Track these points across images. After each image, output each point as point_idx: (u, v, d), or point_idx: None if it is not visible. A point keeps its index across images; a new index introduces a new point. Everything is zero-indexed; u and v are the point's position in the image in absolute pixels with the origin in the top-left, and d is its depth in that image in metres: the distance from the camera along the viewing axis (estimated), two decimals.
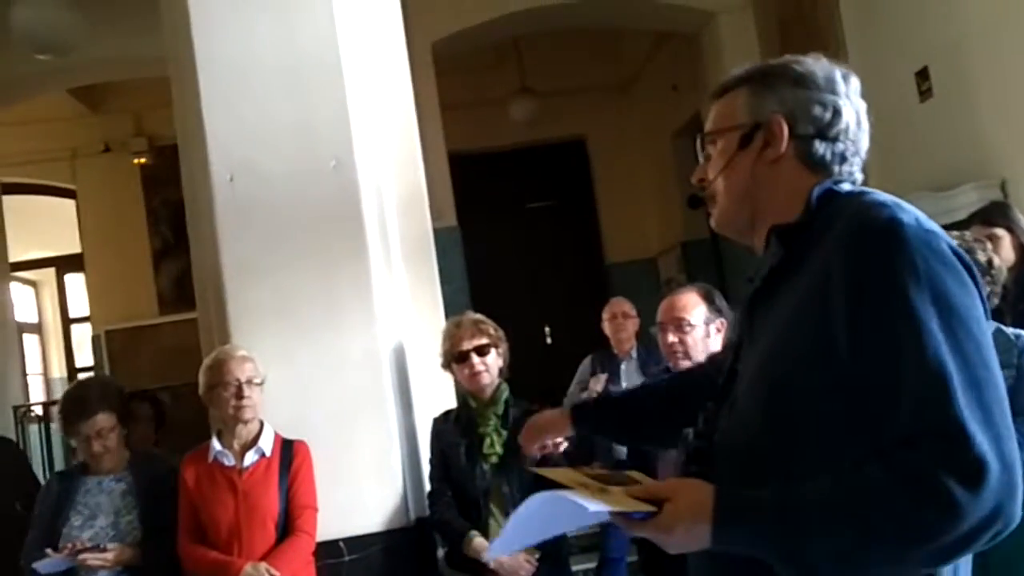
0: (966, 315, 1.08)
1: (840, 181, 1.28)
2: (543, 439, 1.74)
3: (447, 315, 3.73)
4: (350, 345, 3.02)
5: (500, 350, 2.94)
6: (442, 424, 2.96)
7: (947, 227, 3.95)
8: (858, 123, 1.31)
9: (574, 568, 5.33)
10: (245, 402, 2.79)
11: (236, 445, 2.84)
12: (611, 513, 1.11)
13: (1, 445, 3.71)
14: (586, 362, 4.73)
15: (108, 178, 8.41)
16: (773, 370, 1.18)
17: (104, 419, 2.88)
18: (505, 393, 2.93)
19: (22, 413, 6.97)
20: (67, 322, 9.75)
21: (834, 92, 1.29)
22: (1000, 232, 3.23)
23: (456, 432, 2.90)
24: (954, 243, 1.15)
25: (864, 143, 1.32)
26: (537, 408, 2.92)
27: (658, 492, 1.12)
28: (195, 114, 3.11)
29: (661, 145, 8.59)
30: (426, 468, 3.18)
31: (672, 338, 2.51)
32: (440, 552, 3.11)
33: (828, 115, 1.27)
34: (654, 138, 8.69)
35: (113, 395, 2.98)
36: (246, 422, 2.82)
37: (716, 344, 2.57)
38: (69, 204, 8.78)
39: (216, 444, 2.85)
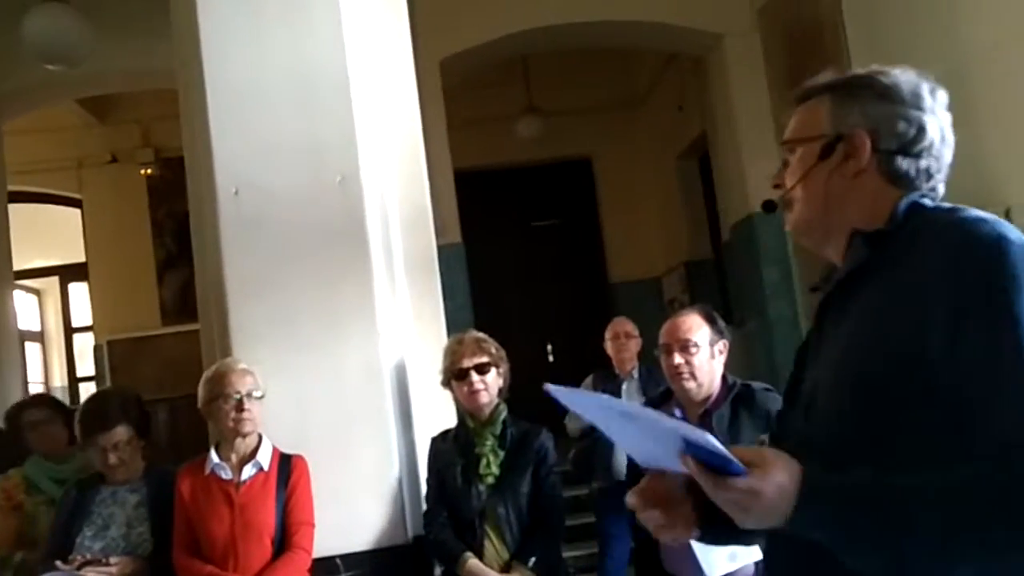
0: None
1: (924, 196, 1.26)
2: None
3: (449, 332, 3.73)
4: (351, 361, 3.02)
5: (500, 370, 2.93)
6: (440, 444, 2.95)
7: None
8: (942, 139, 1.28)
9: None
10: (245, 415, 2.78)
11: (234, 458, 2.83)
12: (696, 463, 1.08)
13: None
14: (587, 381, 4.72)
15: (114, 188, 8.45)
16: (858, 374, 1.16)
17: (122, 432, 2.89)
18: (503, 414, 2.91)
19: None
20: (69, 331, 9.76)
21: (919, 107, 1.27)
22: None
23: (453, 452, 2.88)
24: None
25: (948, 157, 1.29)
26: (538, 429, 2.92)
27: (746, 455, 1.08)
28: (202, 127, 3.13)
29: (666, 165, 8.61)
30: (425, 486, 3.17)
31: (678, 359, 2.51)
32: (438, 570, 3.10)
33: (912, 131, 1.25)
34: (659, 158, 8.72)
35: (132, 407, 2.98)
36: (245, 435, 2.81)
37: (719, 366, 2.57)
38: (74, 213, 8.81)
39: (214, 457, 2.84)
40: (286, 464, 2.84)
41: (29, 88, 6.29)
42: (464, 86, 7.01)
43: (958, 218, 1.18)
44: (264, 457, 2.83)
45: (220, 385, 2.81)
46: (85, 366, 9.38)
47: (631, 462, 2.84)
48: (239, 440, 2.82)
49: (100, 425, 2.89)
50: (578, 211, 9.10)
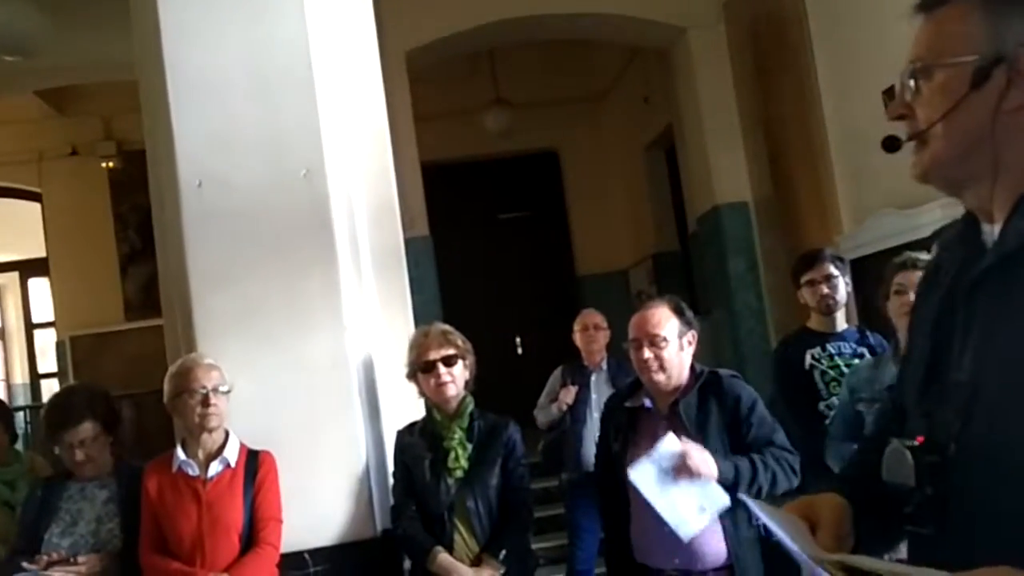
0: None
1: None
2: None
3: (417, 325, 3.72)
4: (318, 355, 3.00)
5: (467, 362, 2.92)
6: (407, 437, 2.93)
7: (912, 245, 4.00)
8: None
9: None
10: (211, 410, 2.76)
11: (200, 454, 2.81)
12: None
13: None
14: (556, 373, 4.74)
15: (75, 182, 8.31)
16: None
17: (88, 428, 2.85)
18: (470, 406, 2.91)
19: None
20: (30, 327, 9.61)
21: None
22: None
23: (421, 445, 2.87)
24: None
25: None
26: (505, 421, 2.93)
27: None
28: (164, 120, 3.08)
29: (633, 158, 8.65)
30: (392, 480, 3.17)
31: (648, 354, 2.52)
32: (407, 563, 3.09)
33: None
34: (626, 151, 8.76)
35: (99, 403, 2.94)
36: (211, 431, 2.79)
37: (688, 357, 2.59)
38: (34, 207, 8.65)
39: (180, 453, 2.81)
40: (253, 460, 2.82)
41: None
42: (430, 78, 6.99)
43: None
44: (231, 453, 2.81)
45: (185, 380, 2.78)
46: (47, 363, 9.23)
47: (599, 454, 2.86)
48: (205, 436, 2.79)
49: (66, 421, 2.85)
50: (545, 203, 9.12)
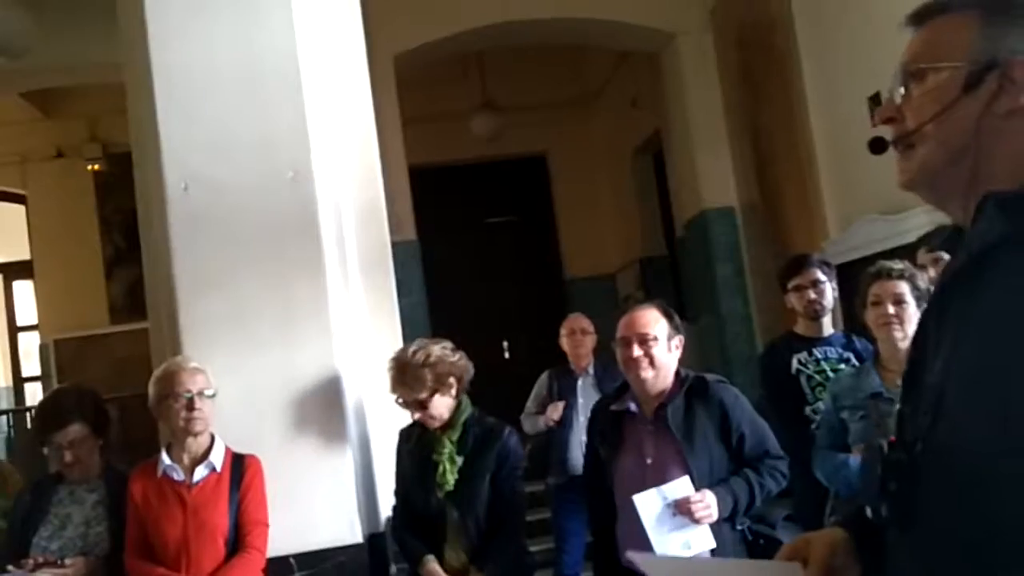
0: None
1: None
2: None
3: (404, 329, 3.71)
4: (304, 359, 2.99)
5: (451, 389, 2.82)
6: (403, 443, 2.92)
7: (897, 250, 4.02)
8: None
9: None
10: (196, 414, 2.74)
11: (186, 459, 2.79)
12: None
13: None
14: (543, 378, 4.74)
15: (60, 184, 8.26)
16: (1007, 384, 0.93)
17: (77, 429, 2.83)
18: (465, 414, 2.86)
19: None
20: (14, 330, 9.53)
21: None
22: (946, 256, 3.30)
23: (412, 455, 2.86)
24: None
25: None
26: (501, 427, 2.90)
27: None
28: (150, 122, 3.07)
29: (621, 162, 8.67)
30: (379, 484, 3.16)
31: (638, 352, 2.52)
32: (393, 568, 3.09)
33: None
34: (614, 155, 8.78)
35: (88, 405, 2.92)
36: (196, 435, 2.77)
37: (674, 361, 2.59)
38: (19, 209, 8.59)
39: (165, 458, 2.79)
40: (239, 464, 2.81)
41: None
42: (419, 82, 6.98)
43: None
44: (216, 457, 2.79)
45: (170, 384, 2.77)
46: (31, 365, 9.16)
47: (587, 458, 2.86)
48: (191, 440, 2.77)
49: (55, 423, 2.84)
50: (533, 208, 9.12)
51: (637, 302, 2.83)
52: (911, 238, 3.92)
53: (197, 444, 2.79)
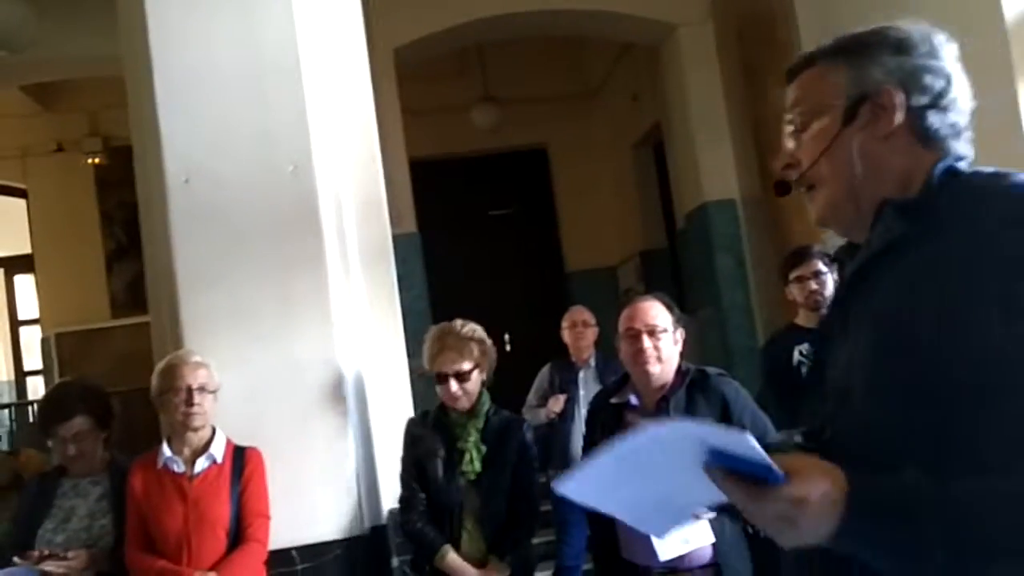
0: None
1: (961, 158, 1.15)
2: None
3: (406, 322, 3.71)
4: (306, 351, 2.99)
5: (483, 367, 2.86)
6: (419, 428, 2.87)
7: None
8: (964, 92, 1.18)
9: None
10: (195, 409, 2.74)
11: (186, 451, 2.79)
12: (727, 476, 0.95)
13: None
14: (544, 371, 4.74)
15: (60, 178, 8.25)
16: (897, 364, 1.03)
17: (81, 422, 2.84)
18: (487, 404, 2.87)
19: None
20: (15, 324, 9.54)
21: (939, 57, 1.16)
22: None
23: (435, 441, 2.82)
24: None
25: (968, 112, 1.18)
26: (518, 421, 2.91)
27: (781, 461, 0.96)
28: (150, 115, 3.07)
29: (622, 155, 8.65)
30: (382, 476, 3.16)
31: (647, 343, 2.51)
32: (395, 560, 3.09)
33: (940, 83, 1.15)
34: (615, 148, 8.76)
35: (92, 398, 2.93)
36: (195, 429, 2.78)
37: (677, 354, 2.58)
38: (20, 203, 8.59)
39: (166, 450, 2.80)
40: (240, 456, 2.81)
41: None
42: (419, 75, 6.97)
43: (1007, 185, 1.07)
44: (217, 450, 2.80)
45: (171, 378, 2.77)
46: (32, 359, 9.17)
47: (585, 451, 2.86)
48: (191, 433, 2.78)
49: (59, 415, 2.85)
50: (534, 200, 9.11)
51: (638, 295, 2.82)
52: None
53: (198, 437, 2.80)
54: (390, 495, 3.07)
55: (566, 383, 4.57)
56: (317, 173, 3.06)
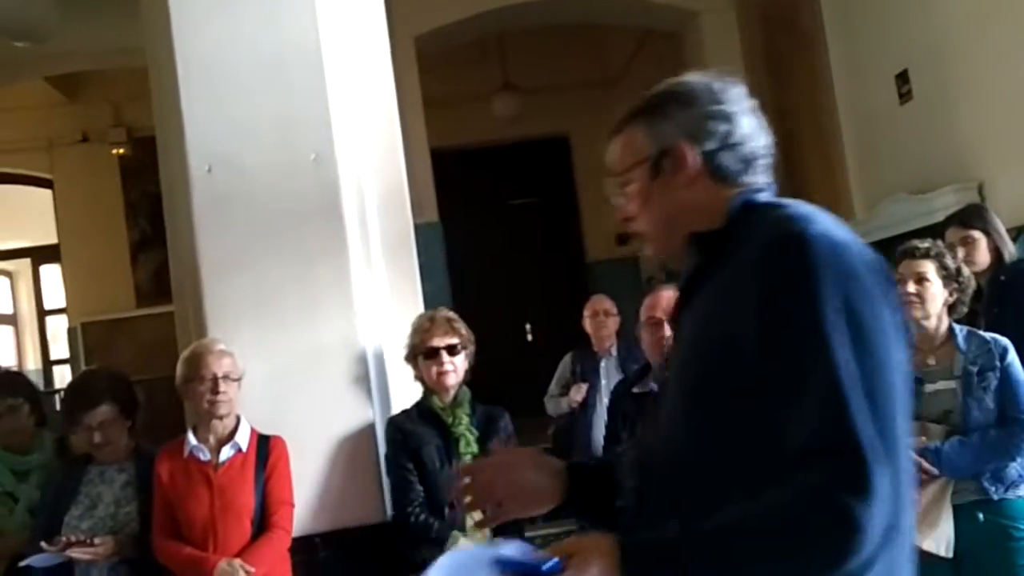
0: (870, 330, 1.08)
1: (758, 190, 1.30)
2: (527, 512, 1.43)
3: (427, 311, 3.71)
4: (328, 340, 3.01)
5: (468, 352, 2.93)
6: (405, 424, 2.91)
7: (924, 229, 3.98)
8: (753, 125, 1.32)
9: None
10: (220, 397, 2.76)
11: (212, 440, 2.82)
12: (519, 567, 1.11)
13: None
14: (566, 360, 4.73)
15: (86, 168, 8.31)
16: (686, 381, 1.21)
17: (106, 410, 2.87)
18: (469, 394, 2.94)
19: None
20: (42, 313, 9.65)
21: (720, 102, 1.31)
22: (976, 235, 3.25)
23: (427, 431, 2.86)
24: (869, 255, 1.15)
25: (765, 140, 1.34)
26: (500, 411, 2.94)
27: (561, 548, 1.11)
28: (174, 106, 3.08)
29: None
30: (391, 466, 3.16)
31: (668, 332, 2.50)
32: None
33: (725, 126, 1.29)
34: None
35: (118, 386, 2.96)
36: (221, 417, 2.80)
37: None
38: (46, 194, 8.67)
39: (191, 439, 2.82)
40: (265, 445, 2.83)
41: None
42: (440, 64, 6.96)
43: (774, 215, 1.21)
44: (242, 438, 2.82)
45: (196, 367, 2.79)
46: (59, 348, 9.28)
47: (607, 440, 2.85)
48: (216, 422, 2.80)
49: (84, 403, 2.88)
50: (555, 189, 9.08)
51: (661, 283, 2.81)
52: (939, 217, 3.87)
53: (223, 425, 2.82)
54: None
55: (588, 372, 4.56)
56: (339, 162, 3.07)
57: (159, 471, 2.81)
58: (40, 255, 9.47)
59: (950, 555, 2.48)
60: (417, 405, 2.95)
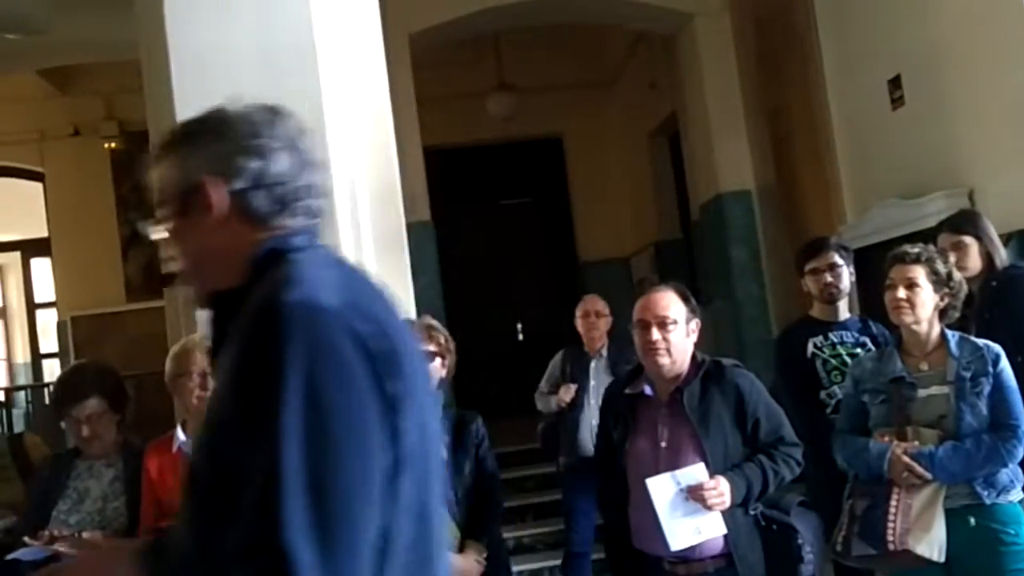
0: (335, 412, 0.99)
1: (292, 234, 1.19)
2: None
3: (418, 310, 3.70)
4: None
5: (446, 361, 2.95)
6: None
7: (915, 235, 4.00)
8: (296, 164, 1.22)
9: (540, 565, 5.37)
10: (208, 393, 2.75)
11: None
12: None
13: None
14: (557, 358, 4.74)
15: (77, 162, 8.29)
16: (200, 452, 1.12)
17: (95, 404, 2.85)
18: (442, 398, 2.95)
19: None
20: (32, 307, 9.61)
21: (258, 135, 1.21)
22: (968, 240, 3.26)
23: None
24: (363, 328, 1.05)
25: (310, 185, 1.23)
26: (472, 414, 2.97)
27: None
28: (166, 101, 3.06)
29: (637, 144, 8.62)
30: None
31: (656, 335, 2.51)
32: None
33: (256, 162, 1.19)
34: (630, 137, 8.73)
35: (107, 380, 2.94)
36: None
37: (691, 345, 2.58)
38: (36, 187, 8.64)
39: (180, 434, 2.81)
40: None
41: None
42: (434, 62, 6.95)
43: (277, 275, 1.10)
44: None
45: (184, 363, 2.78)
46: (48, 342, 9.24)
47: (599, 441, 2.86)
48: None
49: (73, 397, 2.86)
50: (548, 190, 9.10)
51: (651, 285, 2.81)
52: (931, 223, 3.88)
53: None
54: None
55: (577, 372, 4.56)
56: (331, 159, 3.05)
57: (148, 466, 2.79)
58: (30, 248, 9.43)
59: (942, 559, 2.48)
60: None
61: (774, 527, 2.47)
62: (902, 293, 2.63)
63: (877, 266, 2.96)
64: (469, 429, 2.95)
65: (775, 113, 6.37)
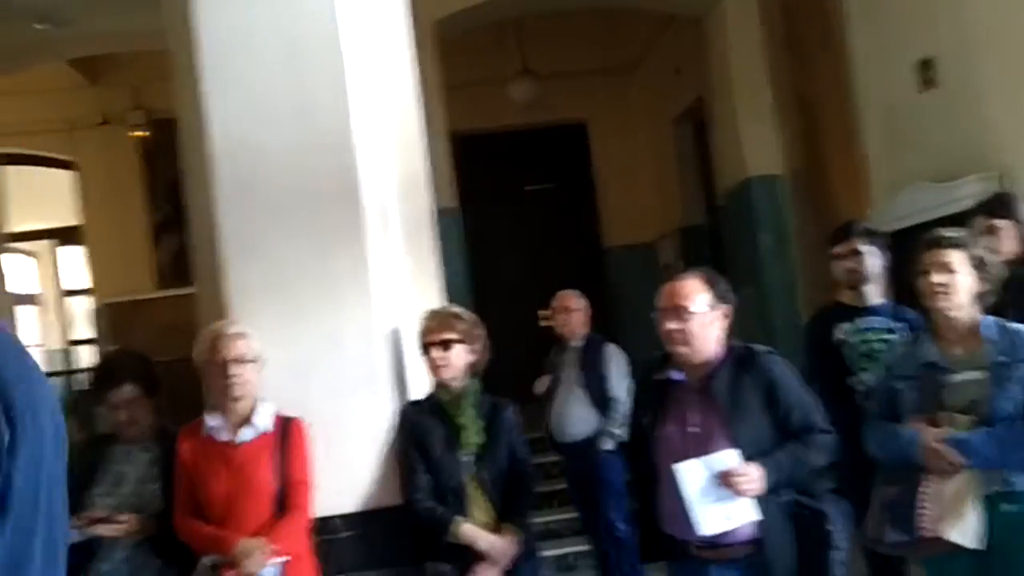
0: None
1: None
2: None
3: (446, 297, 3.72)
4: (347, 324, 3.02)
5: (472, 347, 2.96)
6: (414, 414, 2.98)
7: (947, 219, 3.94)
8: None
9: (565, 550, 5.40)
10: (234, 379, 2.78)
11: (231, 420, 2.84)
12: None
13: None
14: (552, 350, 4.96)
15: (106, 151, 8.37)
16: None
17: (130, 389, 2.93)
18: (476, 386, 2.98)
19: None
20: (65, 294, 9.74)
21: None
22: (1002, 223, 3.22)
23: (432, 421, 2.93)
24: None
25: None
26: (505, 402, 2.99)
27: None
28: (194, 89, 3.09)
29: (662, 130, 8.56)
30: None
31: (671, 325, 2.50)
32: None
33: None
34: (655, 123, 8.66)
35: (141, 367, 3.04)
36: (236, 399, 2.82)
37: (717, 331, 2.56)
38: (67, 176, 8.74)
39: (210, 419, 2.85)
40: (283, 426, 2.86)
41: (18, 47, 6.21)
42: (458, 48, 6.94)
43: None
44: (260, 419, 2.84)
45: (211, 349, 2.82)
46: (80, 329, 9.37)
47: (633, 426, 2.86)
48: (233, 403, 2.83)
49: (109, 382, 2.96)
50: (573, 176, 9.06)
51: (678, 271, 2.80)
52: (963, 206, 3.83)
53: (241, 406, 2.84)
54: None
55: (555, 362, 4.72)
56: (357, 147, 3.07)
57: (181, 450, 2.84)
58: (62, 236, 9.55)
59: (980, 546, 2.45)
60: (428, 396, 3.03)
61: (806, 513, 2.46)
62: (938, 278, 2.58)
63: (907, 250, 2.92)
64: (502, 416, 2.96)
65: (804, 96, 6.30)
